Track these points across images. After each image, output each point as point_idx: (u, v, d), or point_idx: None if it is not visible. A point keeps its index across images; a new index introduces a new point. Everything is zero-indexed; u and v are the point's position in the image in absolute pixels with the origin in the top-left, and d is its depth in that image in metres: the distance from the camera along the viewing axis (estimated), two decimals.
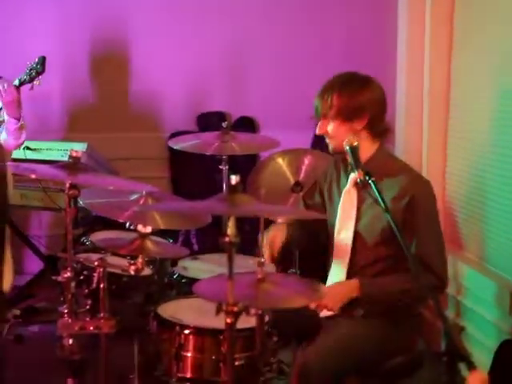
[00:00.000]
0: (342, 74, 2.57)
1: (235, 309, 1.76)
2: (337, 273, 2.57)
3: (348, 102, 2.47)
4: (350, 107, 2.47)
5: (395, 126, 3.80)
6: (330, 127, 2.52)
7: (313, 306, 2.39)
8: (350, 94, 2.48)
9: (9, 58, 3.99)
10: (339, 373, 2.36)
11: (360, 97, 2.47)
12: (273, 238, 2.62)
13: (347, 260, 2.54)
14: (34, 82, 3.38)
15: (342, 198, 2.58)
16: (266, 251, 2.58)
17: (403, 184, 2.45)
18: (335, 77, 2.56)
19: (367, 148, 2.50)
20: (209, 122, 4.56)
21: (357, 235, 2.53)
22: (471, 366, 1.76)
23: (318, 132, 2.56)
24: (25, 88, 3.41)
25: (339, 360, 2.36)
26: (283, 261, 2.76)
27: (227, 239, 1.74)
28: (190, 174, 4.56)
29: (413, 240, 2.41)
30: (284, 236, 2.65)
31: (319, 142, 4.58)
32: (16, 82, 3.36)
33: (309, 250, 2.91)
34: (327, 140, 2.57)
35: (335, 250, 2.60)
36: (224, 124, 3.18)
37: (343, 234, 2.56)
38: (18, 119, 3.38)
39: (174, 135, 4.19)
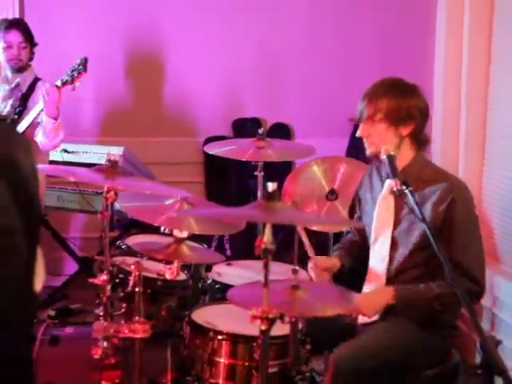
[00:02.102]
0: (389, 78, 2.54)
1: (270, 316, 1.76)
2: (374, 279, 2.56)
3: (398, 107, 2.45)
4: (399, 112, 2.45)
5: (432, 134, 3.76)
6: (374, 130, 2.49)
7: (348, 314, 2.39)
8: (400, 98, 2.46)
9: (48, 61, 4.05)
10: (372, 372, 2.34)
11: (409, 102, 2.45)
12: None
13: (385, 266, 2.52)
14: (76, 83, 3.42)
15: (377, 205, 2.56)
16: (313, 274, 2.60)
17: (443, 189, 2.43)
18: (383, 81, 2.53)
19: (405, 156, 2.48)
20: (244, 127, 4.57)
21: (394, 241, 2.51)
22: (508, 381, 1.74)
23: (359, 134, 2.53)
24: (65, 89, 3.45)
25: (372, 358, 2.35)
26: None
27: (263, 246, 1.75)
28: (225, 180, 4.58)
29: (452, 244, 2.38)
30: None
31: (354, 150, 4.58)
32: (58, 83, 3.41)
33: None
34: (366, 144, 2.54)
35: (372, 257, 2.58)
36: (260, 130, 3.17)
37: (380, 240, 2.54)
38: (56, 119, 3.43)
39: (208, 140, 4.21)
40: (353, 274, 2.72)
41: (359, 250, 2.73)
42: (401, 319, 2.48)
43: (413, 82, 2.54)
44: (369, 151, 2.53)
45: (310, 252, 2.65)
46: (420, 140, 2.51)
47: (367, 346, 2.39)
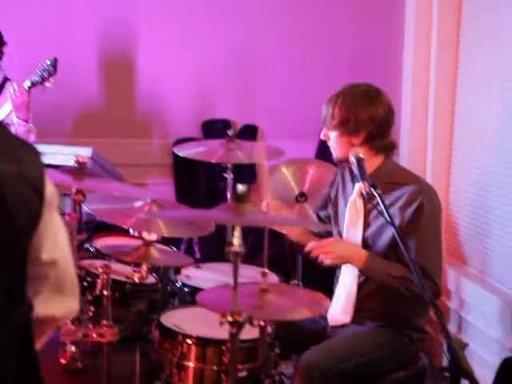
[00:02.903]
0: (351, 85, 2.56)
1: (240, 319, 1.75)
2: (347, 280, 2.57)
3: (346, 117, 2.48)
4: (347, 122, 2.48)
5: (400, 139, 3.79)
6: (332, 136, 2.53)
7: (311, 248, 2.41)
8: (350, 108, 2.48)
9: (17, 61, 4.00)
10: (341, 376, 2.35)
11: (359, 113, 2.46)
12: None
13: (356, 270, 2.53)
14: (46, 84, 3.36)
15: (347, 208, 2.58)
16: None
17: (411, 192, 2.45)
18: (344, 87, 2.55)
19: (370, 161, 2.49)
20: (213, 129, 4.56)
21: (364, 243, 2.52)
22: (474, 383, 1.76)
23: (321, 137, 2.58)
24: (35, 90, 3.39)
25: (343, 360, 2.36)
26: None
27: (233, 249, 1.74)
28: (194, 182, 4.56)
29: (415, 245, 2.41)
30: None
31: (323, 152, 4.60)
32: (27, 84, 3.34)
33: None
34: (331, 148, 2.58)
35: None
36: (229, 132, 3.17)
37: (352, 242, 2.56)
38: (27, 121, 3.37)
39: (178, 142, 4.19)
40: (323, 275, 2.73)
41: None
42: (371, 323, 2.50)
43: (377, 87, 2.56)
44: (333, 155, 2.57)
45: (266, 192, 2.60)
46: (380, 146, 2.51)
47: (336, 349, 2.40)
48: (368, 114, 2.47)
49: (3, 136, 1.37)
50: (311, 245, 2.44)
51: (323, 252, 2.41)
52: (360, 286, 2.54)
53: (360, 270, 2.48)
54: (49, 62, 3.35)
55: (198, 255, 4.09)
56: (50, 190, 1.34)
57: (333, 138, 2.53)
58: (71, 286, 1.43)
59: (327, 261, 2.42)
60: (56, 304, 1.39)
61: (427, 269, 2.39)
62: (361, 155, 2.36)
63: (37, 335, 1.40)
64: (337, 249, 2.43)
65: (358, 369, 2.40)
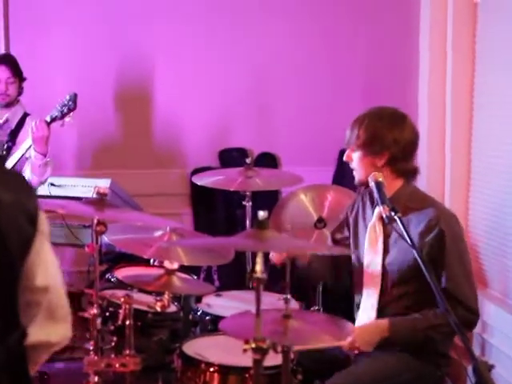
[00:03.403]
0: (378, 107, 2.58)
1: (263, 345, 1.75)
2: (367, 306, 2.55)
3: (371, 137, 2.49)
4: (372, 142, 2.48)
5: (417, 161, 3.79)
6: (355, 157, 2.53)
7: (345, 349, 2.38)
8: (376, 129, 2.49)
9: (36, 96, 4.06)
10: None
11: (385, 135, 2.47)
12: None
13: (377, 293, 2.52)
14: (66, 119, 3.41)
15: (367, 232, 2.57)
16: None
17: (430, 218, 2.44)
18: (371, 109, 2.57)
19: (389, 184, 2.48)
20: (230, 157, 4.58)
21: (384, 269, 2.51)
22: None
23: (344, 159, 2.58)
24: (54, 124, 3.43)
25: None
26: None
27: (255, 275, 1.74)
28: (212, 210, 4.57)
29: (442, 274, 2.40)
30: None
31: (340, 179, 4.61)
32: (47, 119, 3.39)
33: (330, 285, 2.90)
34: (354, 171, 2.58)
35: (365, 283, 2.57)
36: (248, 160, 3.19)
37: (372, 267, 2.55)
38: (45, 155, 3.41)
39: (196, 171, 4.22)
40: (342, 300, 2.71)
41: (344, 271, 2.70)
42: (395, 348, 2.48)
43: (403, 112, 2.57)
44: (355, 179, 2.57)
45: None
46: (401, 170, 2.52)
47: (360, 377, 2.38)
48: (393, 136, 2.48)
49: (1, 168, 1.48)
50: (346, 347, 2.40)
51: (356, 350, 2.40)
52: (380, 310, 2.52)
53: (388, 340, 2.43)
54: (68, 98, 3.40)
55: (217, 283, 4.09)
56: (42, 218, 1.41)
57: (356, 160, 2.53)
58: (63, 312, 1.49)
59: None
60: (50, 330, 1.44)
61: (459, 295, 2.37)
62: (380, 179, 2.36)
63: (31, 361, 1.45)
64: (362, 341, 2.39)
65: None
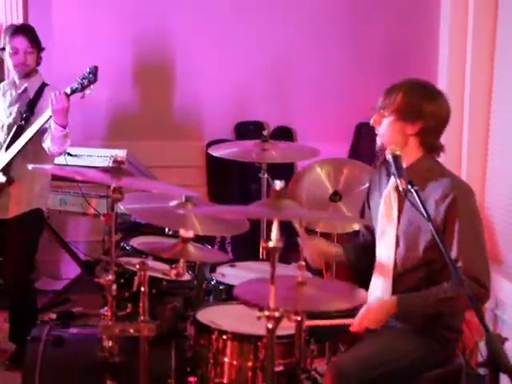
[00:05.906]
0: (416, 79, 2.55)
1: (277, 314, 1.76)
2: (381, 273, 2.55)
3: (409, 103, 2.46)
4: (409, 108, 2.46)
5: None
6: (384, 122, 2.51)
7: (353, 329, 2.38)
8: (415, 97, 2.47)
9: (57, 69, 4.07)
10: (374, 380, 2.35)
11: (423, 104, 2.45)
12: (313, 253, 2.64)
13: (391, 264, 2.51)
14: (86, 91, 3.40)
15: (381, 202, 2.56)
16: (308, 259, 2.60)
17: (445, 186, 2.42)
18: (410, 79, 2.55)
19: (411, 155, 2.47)
20: (246, 130, 4.58)
21: (398, 239, 2.51)
22: None
23: (371, 123, 2.54)
24: (74, 96, 3.44)
25: (375, 367, 2.36)
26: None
27: (271, 243, 1.75)
28: (227, 183, 4.59)
29: (453, 243, 2.37)
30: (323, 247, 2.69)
31: (355, 154, 4.60)
32: (67, 91, 3.39)
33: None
34: (378, 135, 2.55)
35: (378, 255, 2.57)
36: (264, 132, 3.19)
37: (386, 237, 2.54)
38: (65, 127, 3.41)
39: (212, 143, 4.22)
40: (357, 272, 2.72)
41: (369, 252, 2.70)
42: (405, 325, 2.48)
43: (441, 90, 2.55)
44: (378, 142, 2.55)
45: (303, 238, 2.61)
46: (429, 143, 2.49)
47: (370, 357, 2.38)
48: (431, 108, 2.45)
49: None
50: (354, 328, 2.40)
51: (365, 328, 2.39)
52: (394, 282, 2.52)
53: (398, 316, 2.43)
54: (89, 70, 3.39)
55: (230, 255, 4.11)
56: None
57: (385, 124, 2.50)
58: None
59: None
60: None
61: (470, 269, 2.34)
62: (398, 152, 2.34)
63: None
64: (371, 320, 2.38)
65: (391, 374, 2.39)
